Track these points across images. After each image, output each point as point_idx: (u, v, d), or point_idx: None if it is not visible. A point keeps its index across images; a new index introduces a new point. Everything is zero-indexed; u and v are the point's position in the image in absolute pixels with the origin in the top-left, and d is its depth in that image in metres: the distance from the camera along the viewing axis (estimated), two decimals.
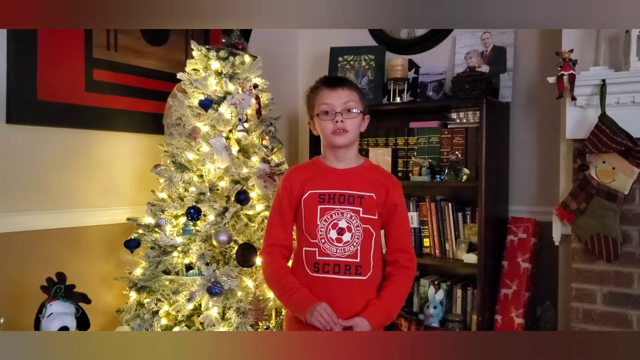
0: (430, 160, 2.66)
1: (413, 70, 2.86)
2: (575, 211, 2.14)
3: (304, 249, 1.72)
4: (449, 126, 2.66)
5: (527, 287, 2.48)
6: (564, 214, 2.18)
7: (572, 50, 2.10)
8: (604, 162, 2.05)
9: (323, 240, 1.69)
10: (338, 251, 1.68)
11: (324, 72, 2.88)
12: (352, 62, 2.93)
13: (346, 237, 1.69)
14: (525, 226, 2.55)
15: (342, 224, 1.69)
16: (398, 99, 2.74)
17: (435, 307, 2.63)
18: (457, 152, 2.59)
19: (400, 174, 2.76)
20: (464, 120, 2.63)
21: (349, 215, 1.70)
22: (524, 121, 2.63)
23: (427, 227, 2.71)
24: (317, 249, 1.69)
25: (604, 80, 2.03)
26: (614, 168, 2.03)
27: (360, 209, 1.71)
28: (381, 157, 2.79)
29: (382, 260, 1.77)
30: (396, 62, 2.77)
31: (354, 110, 1.71)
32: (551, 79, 2.13)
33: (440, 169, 2.65)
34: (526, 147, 2.63)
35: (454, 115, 2.65)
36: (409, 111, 2.79)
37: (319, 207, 1.71)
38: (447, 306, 2.65)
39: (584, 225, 2.12)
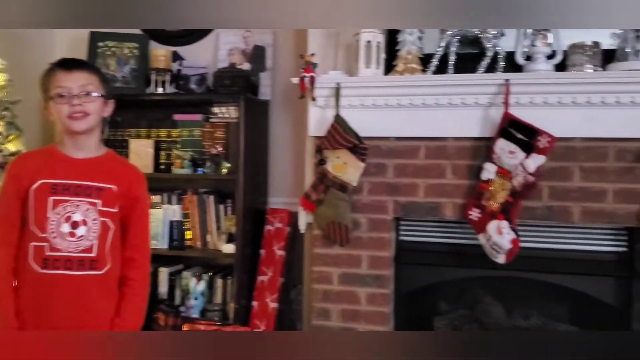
0: (192, 153, 2.68)
1: (178, 62, 2.84)
2: (315, 201, 2.35)
3: (32, 244, 1.60)
4: (210, 120, 2.71)
5: (281, 273, 2.66)
6: (306, 204, 2.38)
7: (313, 54, 2.29)
8: (337, 157, 2.29)
9: (54, 235, 1.59)
10: (71, 246, 1.61)
11: (82, 57, 2.71)
12: (113, 49, 2.80)
13: (80, 231, 1.62)
14: (281, 216, 2.73)
15: (77, 217, 1.62)
16: (160, 90, 2.71)
17: (196, 299, 2.67)
18: (217, 146, 2.66)
19: (162, 167, 2.73)
20: (226, 115, 2.70)
21: (85, 208, 1.63)
22: (281, 118, 2.80)
23: (189, 219, 2.73)
24: (47, 244, 1.60)
25: (338, 84, 2.26)
26: (345, 163, 2.28)
27: (99, 202, 1.65)
28: (143, 148, 2.73)
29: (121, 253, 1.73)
30: (159, 53, 2.74)
31: (94, 94, 1.64)
32: (295, 80, 2.31)
33: (203, 162, 2.69)
34: (283, 143, 2.81)
35: (216, 110, 2.70)
36: (173, 103, 2.78)
37: (51, 198, 1.61)
38: (208, 296, 2.71)
39: (322, 214, 2.34)
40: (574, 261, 2.22)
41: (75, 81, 1.63)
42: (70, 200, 1.62)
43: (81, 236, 1.62)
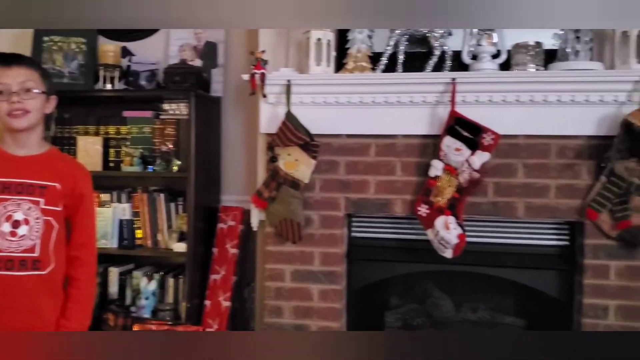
0: (141, 151, 2.64)
1: (127, 58, 2.79)
2: (267, 199, 2.34)
3: None
4: (161, 117, 2.67)
5: (234, 272, 2.64)
6: (258, 202, 2.37)
7: (264, 51, 2.28)
8: (289, 154, 2.29)
9: None
10: (12, 246, 1.57)
11: (27, 52, 2.63)
12: (60, 44, 2.72)
13: (22, 230, 1.59)
14: (234, 214, 2.71)
15: (18, 216, 1.59)
16: (109, 86, 2.65)
17: (147, 298, 2.63)
18: (168, 143, 2.62)
19: (112, 164, 2.68)
20: (177, 112, 2.67)
21: (27, 207, 1.60)
22: (234, 115, 2.78)
23: (139, 218, 2.68)
24: None
25: (289, 81, 2.26)
26: (297, 160, 2.28)
27: (42, 200, 1.63)
28: (91, 146, 2.67)
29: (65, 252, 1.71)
30: (108, 48, 2.68)
31: (34, 91, 1.61)
32: (245, 76, 2.30)
33: (153, 159, 2.64)
34: (236, 140, 2.79)
35: (166, 106, 2.66)
36: (123, 99, 2.72)
37: None
38: (160, 296, 2.67)
39: (274, 211, 2.33)
40: (518, 255, 2.29)
41: (14, 77, 1.59)
42: (12, 198, 1.60)
43: (23, 235, 1.59)
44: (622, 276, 2.14)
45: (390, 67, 2.27)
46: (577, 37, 2.16)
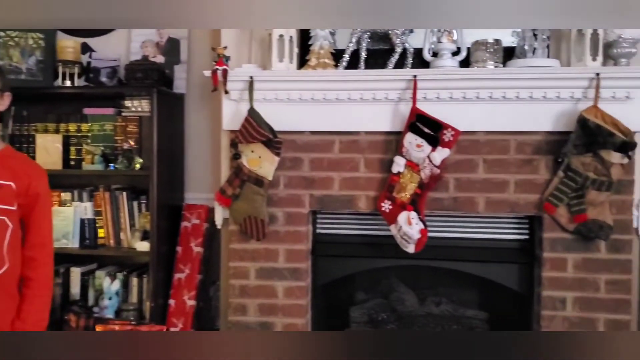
0: (103, 149, 2.59)
1: (88, 54, 2.74)
2: (231, 196, 2.33)
3: None
4: (122, 114, 2.62)
5: (199, 270, 2.62)
6: (222, 199, 2.36)
7: (225, 47, 2.27)
8: (252, 151, 2.28)
9: None
10: None
11: None
12: (16, 39, 2.65)
13: None
14: (199, 212, 2.68)
15: None
16: (68, 83, 2.60)
17: (110, 298, 2.59)
18: (130, 141, 2.58)
19: (72, 163, 2.62)
20: (139, 109, 2.64)
21: None
22: (197, 112, 2.75)
23: (101, 217, 2.63)
24: None
25: (251, 77, 2.24)
26: (260, 157, 2.27)
27: None
28: (51, 144, 2.61)
29: (21, 253, 1.67)
30: (67, 44, 2.62)
31: None
32: (207, 73, 2.28)
33: (115, 157, 2.60)
34: (200, 138, 2.76)
35: (128, 103, 2.63)
36: (83, 96, 2.67)
37: None
38: (123, 296, 2.63)
39: (238, 209, 2.32)
40: (479, 249, 2.33)
41: None
42: None
43: None
44: (579, 269, 2.19)
45: (353, 64, 2.28)
46: (535, 35, 2.21)
